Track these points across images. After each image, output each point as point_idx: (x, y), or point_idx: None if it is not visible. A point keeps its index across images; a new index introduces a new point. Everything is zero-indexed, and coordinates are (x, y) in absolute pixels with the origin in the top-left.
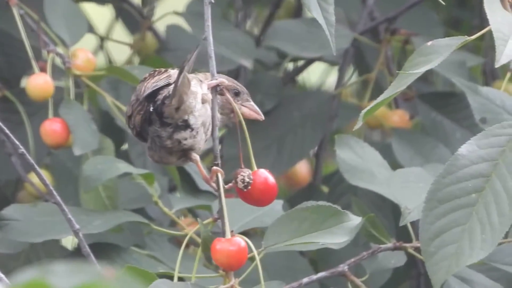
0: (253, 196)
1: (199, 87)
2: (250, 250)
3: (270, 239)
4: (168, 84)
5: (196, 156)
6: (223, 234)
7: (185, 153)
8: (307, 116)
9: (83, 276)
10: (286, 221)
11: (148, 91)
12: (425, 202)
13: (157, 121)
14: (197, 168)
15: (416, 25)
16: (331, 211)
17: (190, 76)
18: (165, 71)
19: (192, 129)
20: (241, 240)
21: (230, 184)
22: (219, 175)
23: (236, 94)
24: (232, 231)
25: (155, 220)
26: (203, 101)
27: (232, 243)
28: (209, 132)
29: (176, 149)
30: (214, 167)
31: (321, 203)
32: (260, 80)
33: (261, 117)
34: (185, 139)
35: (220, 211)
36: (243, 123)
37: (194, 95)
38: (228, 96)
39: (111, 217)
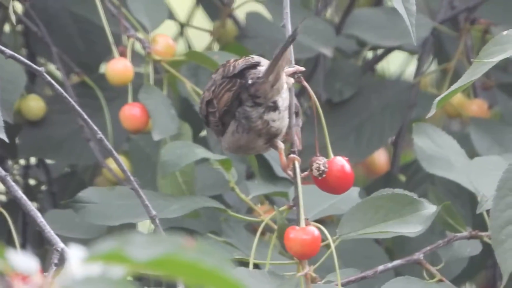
0: (329, 183)
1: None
2: (325, 237)
3: (344, 228)
4: (255, 66)
5: (281, 144)
6: (297, 222)
7: (271, 138)
8: (386, 104)
9: (163, 246)
10: (361, 209)
11: (240, 66)
12: (497, 190)
13: (249, 100)
14: (278, 155)
15: (496, 15)
16: (407, 199)
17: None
18: (235, 60)
19: (280, 112)
20: (314, 229)
21: (306, 173)
22: (296, 162)
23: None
24: (307, 219)
25: (232, 207)
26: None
27: (305, 232)
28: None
29: (264, 131)
30: (291, 155)
31: (397, 191)
32: (339, 68)
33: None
34: (274, 120)
35: (296, 199)
36: (320, 111)
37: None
38: (306, 84)
39: (188, 202)
